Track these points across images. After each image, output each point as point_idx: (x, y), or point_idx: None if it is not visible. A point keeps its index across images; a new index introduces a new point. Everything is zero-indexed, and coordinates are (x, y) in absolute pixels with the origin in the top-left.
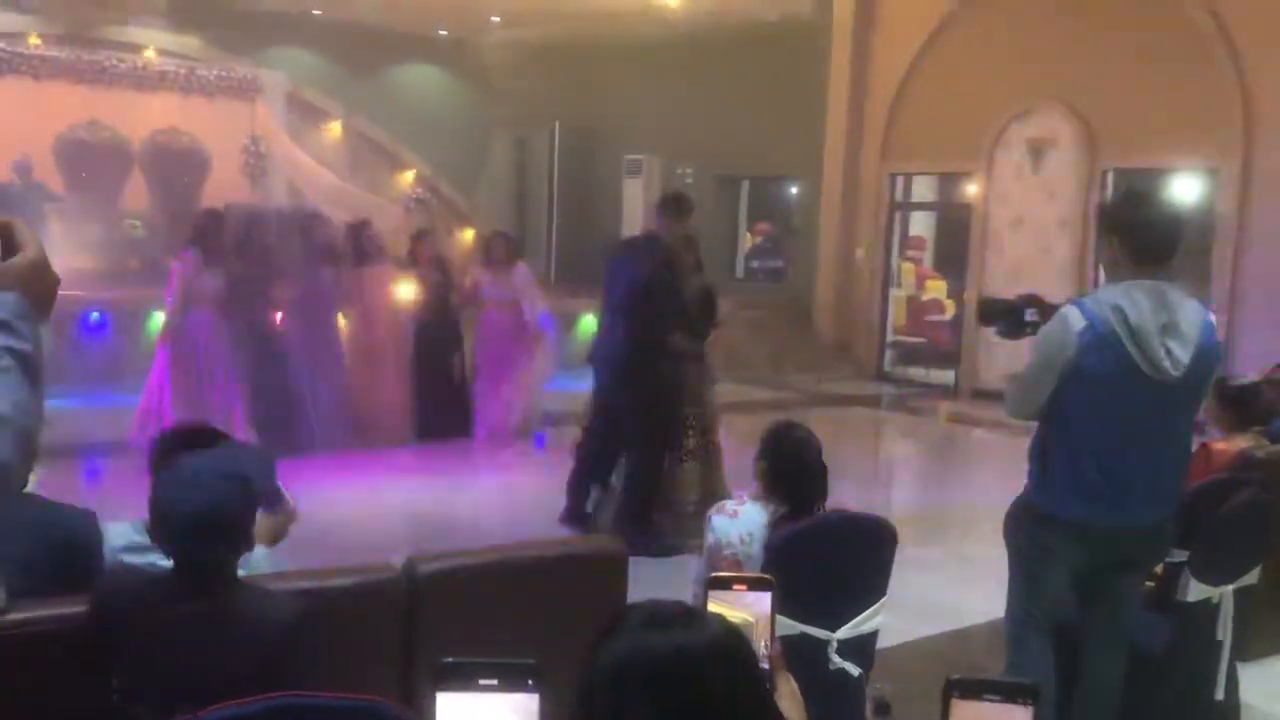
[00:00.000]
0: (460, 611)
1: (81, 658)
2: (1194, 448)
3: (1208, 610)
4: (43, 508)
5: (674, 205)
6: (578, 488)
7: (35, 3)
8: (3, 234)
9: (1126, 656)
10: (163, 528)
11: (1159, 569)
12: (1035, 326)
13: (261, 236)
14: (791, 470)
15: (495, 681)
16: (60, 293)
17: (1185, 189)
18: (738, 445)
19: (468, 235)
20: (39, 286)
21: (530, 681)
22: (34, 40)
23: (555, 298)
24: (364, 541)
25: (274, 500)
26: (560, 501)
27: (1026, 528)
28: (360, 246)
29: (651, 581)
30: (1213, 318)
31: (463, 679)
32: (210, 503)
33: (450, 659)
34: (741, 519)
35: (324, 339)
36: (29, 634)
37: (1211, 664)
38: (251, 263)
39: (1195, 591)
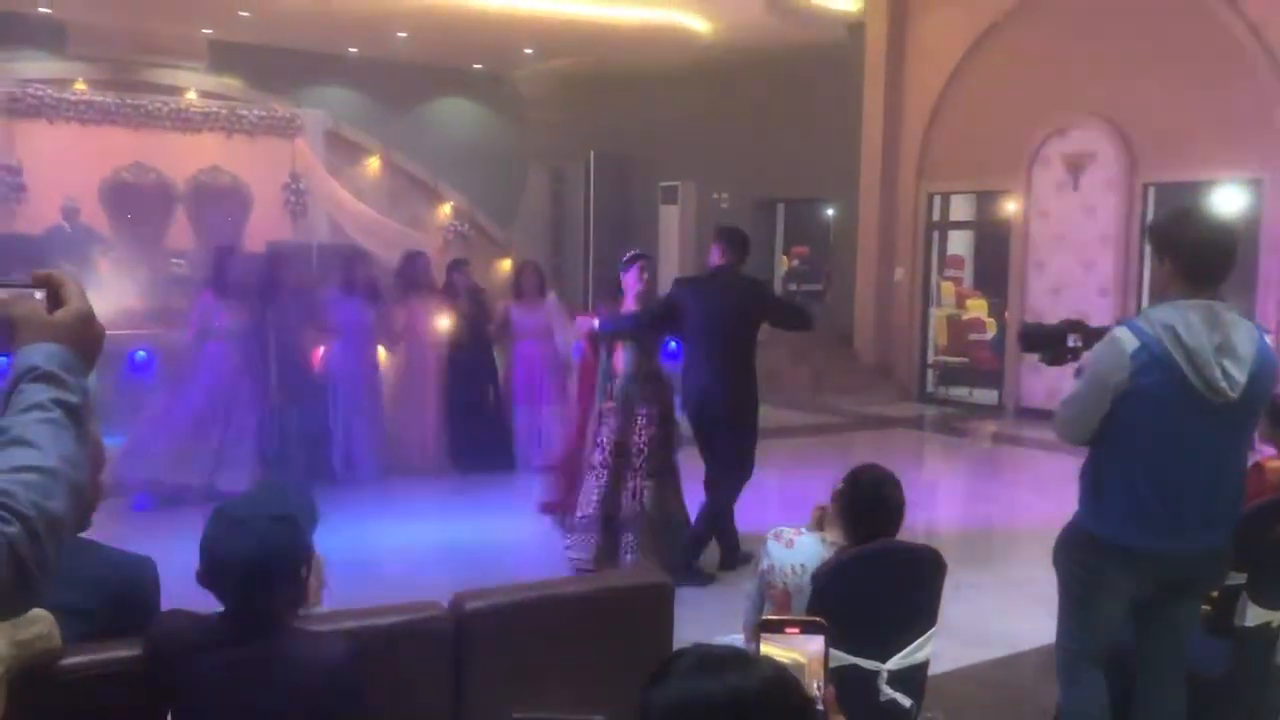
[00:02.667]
0: (508, 648)
1: (136, 701)
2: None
3: (1267, 635)
4: (101, 554)
5: (738, 239)
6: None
7: (80, 50)
8: (49, 286)
9: (1185, 684)
10: (214, 573)
11: (1215, 592)
12: (1078, 352)
13: (290, 274)
14: (869, 506)
15: None
16: (107, 332)
17: (1228, 201)
18: (781, 471)
19: (505, 266)
20: (85, 338)
21: None
22: (79, 86)
23: None
24: (407, 577)
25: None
26: None
27: (1079, 554)
28: (413, 278)
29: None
30: (1269, 338)
31: None
32: (262, 546)
33: (520, 715)
34: (796, 549)
35: (365, 371)
36: (85, 677)
37: (1271, 690)
38: (279, 301)
39: (1254, 616)
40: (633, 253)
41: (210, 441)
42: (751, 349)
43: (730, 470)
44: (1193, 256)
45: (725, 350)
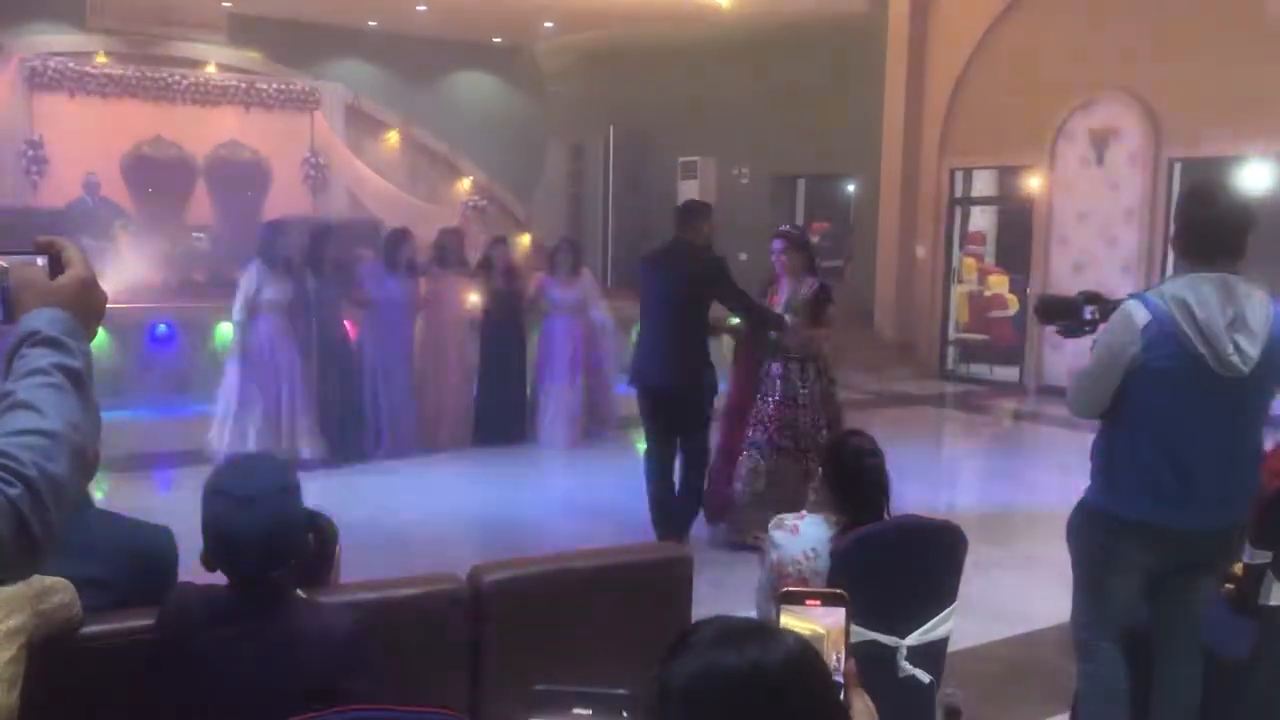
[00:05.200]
0: (526, 620)
1: (152, 671)
2: (1270, 445)
3: None
4: (119, 525)
5: (681, 211)
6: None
7: (101, 23)
8: (50, 253)
9: (1206, 662)
10: (222, 550)
11: (1239, 570)
12: (1095, 324)
13: (333, 248)
14: (854, 477)
15: (589, 711)
16: (128, 305)
17: (1255, 177)
18: None
19: (524, 241)
20: (87, 304)
21: (625, 713)
22: (101, 59)
23: (611, 300)
24: (429, 548)
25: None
26: (624, 506)
27: (1091, 532)
28: (446, 256)
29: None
30: None
31: (556, 707)
32: (274, 521)
33: (543, 686)
34: (803, 535)
35: (398, 348)
36: (105, 646)
37: None
38: (323, 274)
39: (1278, 594)
40: (779, 229)
41: (275, 412)
42: (696, 326)
43: (683, 450)
44: (1204, 230)
45: (667, 325)
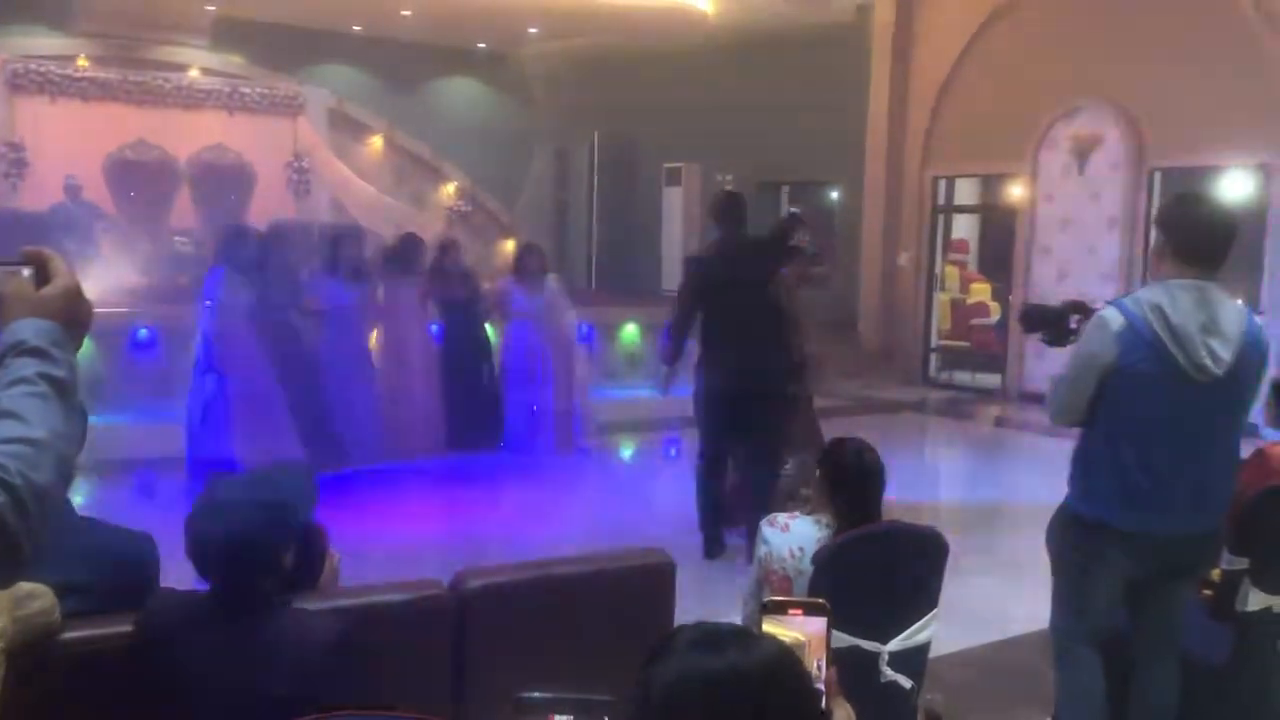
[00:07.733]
0: (509, 627)
1: (133, 676)
2: (1248, 451)
3: (1269, 620)
4: (100, 531)
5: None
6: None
7: (83, 25)
8: (37, 264)
9: (1184, 668)
10: (196, 553)
11: (1217, 575)
12: (1079, 333)
13: (282, 251)
14: (851, 480)
15: (571, 717)
16: (110, 310)
17: (1236, 187)
18: None
19: (509, 246)
20: (73, 314)
21: (607, 718)
22: (82, 62)
23: (596, 307)
24: (407, 557)
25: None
26: (600, 512)
27: (1070, 537)
28: (408, 260)
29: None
30: (1257, 318)
31: (539, 713)
32: (240, 531)
33: (526, 693)
34: (793, 533)
35: (355, 352)
36: (83, 651)
37: (1273, 676)
38: (273, 278)
39: (1255, 600)
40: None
41: (256, 420)
42: (773, 314)
43: (756, 451)
44: (1187, 237)
45: (742, 320)
